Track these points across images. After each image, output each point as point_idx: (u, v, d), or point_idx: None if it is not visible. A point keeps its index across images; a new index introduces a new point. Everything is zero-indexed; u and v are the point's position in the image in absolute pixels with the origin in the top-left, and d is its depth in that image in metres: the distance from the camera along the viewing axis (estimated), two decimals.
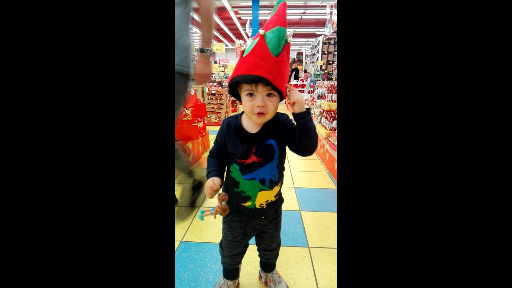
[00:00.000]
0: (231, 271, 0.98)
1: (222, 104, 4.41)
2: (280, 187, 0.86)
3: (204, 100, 4.42)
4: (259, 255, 1.00)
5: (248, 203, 0.81)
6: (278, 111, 0.77)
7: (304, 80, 5.75)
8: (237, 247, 0.92)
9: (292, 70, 7.28)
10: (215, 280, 1.07)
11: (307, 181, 2.08)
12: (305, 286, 1.05)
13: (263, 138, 0.76)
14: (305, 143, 0.72)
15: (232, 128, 0.78)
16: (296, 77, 6.73)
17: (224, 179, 0.83)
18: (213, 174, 0.76)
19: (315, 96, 3.27)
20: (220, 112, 4.43)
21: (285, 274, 1.11)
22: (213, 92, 4.40)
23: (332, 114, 2.52)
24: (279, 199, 0.89)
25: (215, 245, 1.29)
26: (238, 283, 1.04)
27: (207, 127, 2.97)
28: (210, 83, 4.83)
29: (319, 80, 4.17)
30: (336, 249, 1.27)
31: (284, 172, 0.86)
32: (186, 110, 2.32)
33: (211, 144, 3.46)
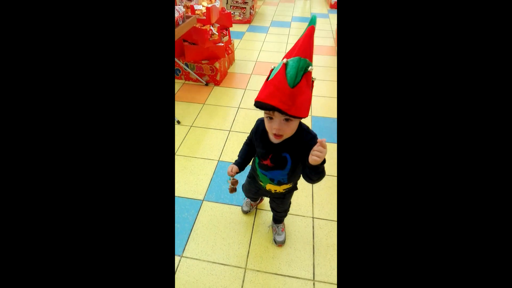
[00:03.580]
0: (253, 199, 1.37)
1: None
2: (292, 185, 1.01)
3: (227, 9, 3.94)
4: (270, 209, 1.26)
5: (261, 183, 1.05)
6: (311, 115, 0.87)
7: None
8: (253, 194, 1.23)
9: None
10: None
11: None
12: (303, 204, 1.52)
13: (280, 150, 0.86)
14: (312, 180, 0.81)
15: (259, 131, 0.91)
16: None
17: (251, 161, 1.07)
18: (236, 163, 1.03)
19: None
20: (245, 8, 4.03)
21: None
22: None
23: None
24: (291, 189, 1.05)
25: None
26: (261, 199, 1.46)
27: (233, 25, 2.86)
28: None
29: None
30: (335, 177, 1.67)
31: None
32: (213, 28, 2.28)
33: (236, 52, 3.32)
